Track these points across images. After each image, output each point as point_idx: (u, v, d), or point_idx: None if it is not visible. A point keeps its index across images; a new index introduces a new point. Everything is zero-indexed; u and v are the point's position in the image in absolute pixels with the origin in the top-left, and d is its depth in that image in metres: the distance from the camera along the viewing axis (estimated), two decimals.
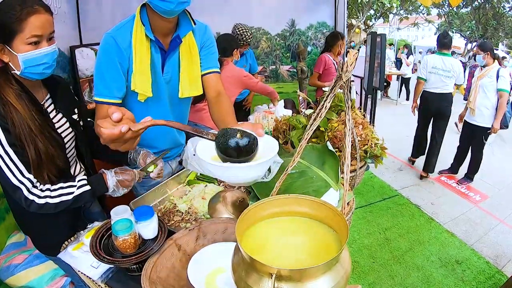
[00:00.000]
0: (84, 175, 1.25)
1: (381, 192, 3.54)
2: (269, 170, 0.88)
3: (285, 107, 2.26)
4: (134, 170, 1.08)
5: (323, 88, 2.73)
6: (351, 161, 1.33)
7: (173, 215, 1.16)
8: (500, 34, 16.24)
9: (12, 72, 0.96)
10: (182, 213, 1.17)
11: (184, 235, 0.94)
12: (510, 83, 3.32)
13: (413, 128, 5.35)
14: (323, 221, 0.67)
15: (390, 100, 8.82)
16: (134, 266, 0.91)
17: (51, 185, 0.99)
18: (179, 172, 1.49)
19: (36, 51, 0.94)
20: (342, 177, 1.26)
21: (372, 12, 11.71)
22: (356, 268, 2.37)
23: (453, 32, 16.99)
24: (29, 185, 0.95)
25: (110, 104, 1.19)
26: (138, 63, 1.17)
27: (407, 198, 3.42)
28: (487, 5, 14.72)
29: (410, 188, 3.65)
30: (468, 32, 16.12)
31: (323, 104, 0.74)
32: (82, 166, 1.25)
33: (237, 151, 0.75)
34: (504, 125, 3.40)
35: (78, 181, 1.02)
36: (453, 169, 3.93)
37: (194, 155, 0.86)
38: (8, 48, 0.92)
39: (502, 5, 14.93)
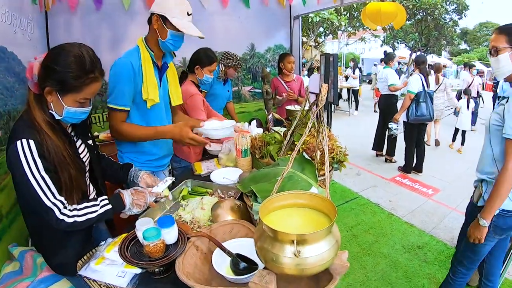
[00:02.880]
0: (96, 195, 1.39)
1: (343, 196, 3.94)
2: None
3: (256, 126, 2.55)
4: (147, 192, 1.27)
5: (287, 107, 3.08)
6: (322, 166, 1.65)
7: (181, 225, 1.34)
8: (442, 42, 18.49)
9: (50, 110, 1.10)
10: (187, 222, 1.36)
11: (199, 238, 1.14)
12: (423, 85, 4.18)
13: (365, 137, 6.02)
14: (317, 208, 0.93)
15: (342, 111, 9.64)
16: (158, 270, 1.08)
17: (77, 205, 1.13)
18: (172, 191, 1.68)
19: (80, 109, 1.12)
20: (319, 179, 1.56)
21: (322, 30, 12.72)
22: None
23: (398, 43, 18.96)
24: (60, 206, 1.08)
25: (124, 111, 1.60)
26: (148, 78, 1.61)
27: (367, 198, 3.86)
28: (428, 17, 16.69)
29: (369, 190, 4.10)
30: (412, 43, 18.12)
31: (306, 124, 1.01)
32: (93, 188, 1.39)
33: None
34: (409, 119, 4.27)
35: (101, 201, 1.17)
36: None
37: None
38: (58, 96, 1.06)
39: (443, 16, 17.02)
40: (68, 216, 1.09)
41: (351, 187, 4.19)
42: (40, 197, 1.05)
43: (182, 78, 2.44)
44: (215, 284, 1.03)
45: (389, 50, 18.01)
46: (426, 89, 4.15)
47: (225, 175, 1.78)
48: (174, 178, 1.53)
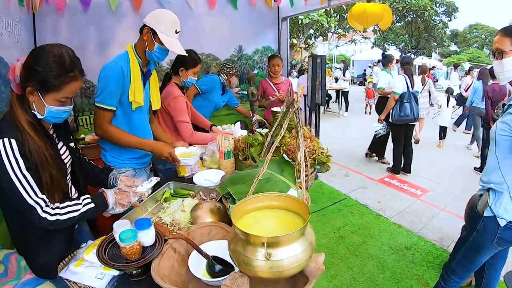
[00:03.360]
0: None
1: (331, 197, 3.98)
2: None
3: (241, 128, 2.58)
4: (131, 192, 1.30)
5: (272, 109, 3.12)
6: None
7: (159, 227, 1.35)
8: (432, 44, 18.76)
9: (32, 110, 1.13)
10: (167, 224, 1.37)
11: (177, 240, 1.15)
12: (408, 86, 4.22)
13: (354, 138, 6.06)
14: (291, 210, 0.95)
15: (332, 113, 9.77)
16: (135, 272, 1.09)
17: (60, 204, 1.16)
18: (154, 192, 1.69)
19: (61, 108, 1.15)
20: (299, 181, 1.59)
21: (312, 31, 12.83)
22: None
23: (389, 44, 19.22)
24: (42, 204, 1.11)
25: (111, 111, 1.71)
26: (136, 82, 1.74)
27: (356, 199, 3.90)
28: (418, 19, 16.95)
29: (357, 191, 4.15)
30: (402, 45, 18.39)
31: (282, 126, 1.04)
32: (75, 190, 1.41)
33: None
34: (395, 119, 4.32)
35: (83, 199, 1.20)
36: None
37: None
38: (40, 95, 1.09)
39: (432, 18, 17.26)
40: (50, 214, 1.12)
41: (339, 188, 4.23)
42: (22, 195, 1.07)
43: (166, 80, 2.45)
44: (191, 286, 1.04)
45: (380, 52, 18.21)
46: (410, 89, 4.22)
47: (207, 177, 1.80)
48: (159, 178, 1.55)
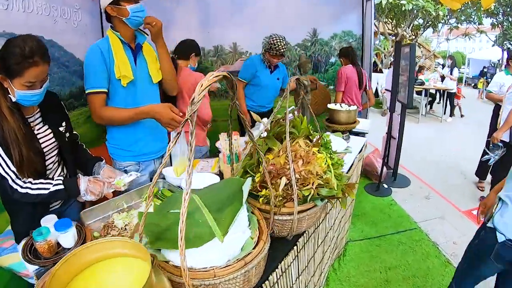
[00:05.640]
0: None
1: (397, 223, 3.38)
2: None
3: None
4: (105, 182, 1.40)
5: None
6: (286, 202, 1.31)
7: (111, 229, 1.38)
8: None
9: (9, 95, 1.31)
10: (119, 228, 1.38)
11: None
12: None
13: (452, 151, 4.94)
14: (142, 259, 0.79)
15: (435, 116, 8.60)
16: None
17: (33, 180, 1.33)
18: (143, 186, 1.72)
19: (29, 92, 1.30)
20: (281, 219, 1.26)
21: (421, 21, 11.04)
22: None
23: (511, 44, 15.09)
24: (13, 176, 1.30)
25: (101, 93, 1.69)
26: (118, 57, 1.72)
27: (426, 233, 3.21)
28: None
29: (433, 221, 3.44)
30: None
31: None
32: (65, 172, 1.59)
33: None
34: None
35: (56, 180, 1.36)
36: None
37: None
38: (9, 81, 1.28)
39: None
40: (21, 187, 1.31)
41: (412, 213, 3.57)
42: None
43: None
44: None
45: (499, 51, 14.88)
46: None
47: (197, 181, 1.71)
48: (139, 174, 1.58)
